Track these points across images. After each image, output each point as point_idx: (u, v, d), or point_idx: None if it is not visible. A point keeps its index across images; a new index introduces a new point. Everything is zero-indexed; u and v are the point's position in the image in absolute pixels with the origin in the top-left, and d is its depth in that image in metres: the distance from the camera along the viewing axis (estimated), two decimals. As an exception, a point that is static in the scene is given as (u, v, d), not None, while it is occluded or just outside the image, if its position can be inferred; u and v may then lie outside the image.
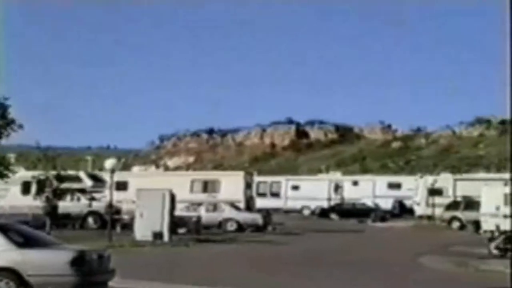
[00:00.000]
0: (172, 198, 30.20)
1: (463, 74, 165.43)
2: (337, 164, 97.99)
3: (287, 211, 58.49)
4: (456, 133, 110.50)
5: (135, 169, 50.11)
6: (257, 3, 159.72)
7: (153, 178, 43.56)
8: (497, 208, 38.01)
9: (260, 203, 48.63)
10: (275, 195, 61.64)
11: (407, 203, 56.28)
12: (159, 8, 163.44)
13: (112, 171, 29.79)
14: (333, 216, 54.82)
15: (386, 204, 57.05)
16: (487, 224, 35.18)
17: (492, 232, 27.06)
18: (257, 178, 50.83)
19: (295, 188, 61.79)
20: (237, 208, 39.36)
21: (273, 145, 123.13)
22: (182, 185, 40.31)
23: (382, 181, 61.74)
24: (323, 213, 56.06)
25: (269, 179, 64.54)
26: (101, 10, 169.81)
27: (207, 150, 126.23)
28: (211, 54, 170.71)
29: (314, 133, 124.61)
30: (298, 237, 35.43)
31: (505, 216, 35.69)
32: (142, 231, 28.97)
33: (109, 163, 30.15)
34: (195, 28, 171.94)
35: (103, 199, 37.05)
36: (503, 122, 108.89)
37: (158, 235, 28.37)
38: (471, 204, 43.49)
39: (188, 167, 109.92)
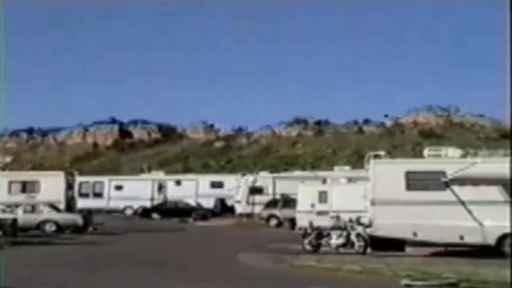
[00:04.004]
0: (-14, 200, 29.22)
1: (283, 76, 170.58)
2: (160, 163, 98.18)
3: (110, 211, 58.03)
4: (275, 133, 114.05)
5: None
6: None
7: (-32, 180, 41.83)
8: (312, 206, 39.85)
9: (82, 203, 48.00)
10: (98, 195, 61.04)
11: (229, 201, 57.53)
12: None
13: None
14: (155, 215, 55.07)
15: (209, 203, 58.05)
16: (302, 221, 36.74)
17: (306, 228, 28.16)
18: (79, 178, 50.06)
19: (118, 188, 61.47)
20: (56, 209, 38.66)
21: (95, 145, 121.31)
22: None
23: (205, 180, 62.64)
24: (145, 212, 56.16)
25: (91, 179, 63.69)
26: None
27: (26, 150, 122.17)
28: (31, 51, 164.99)
29: (137, 133, 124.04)
30: (117, 237, 35.34)
31: (318, 213, 37.58)
32: (-48, 235, 27.78)
33: None
34: (14, 25, 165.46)
35: None
36: (318, 123, 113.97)
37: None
38: (288, 202, 45.21)
39: (5, 167, 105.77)
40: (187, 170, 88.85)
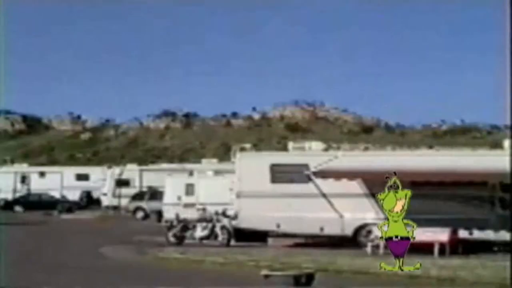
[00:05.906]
0: None
1: (152, 68, 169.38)
2: (24, 155, 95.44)
3: (-31, 204, 55.96)
4: (143, 125, 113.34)
5: None
6: None
7: None
8: (179, 198, 39.88)
9: None
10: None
11: (96, 194, 56.82)
12: None
13: None
14: (18, 208, 53.62)
15: (74, 195, 57.13)
16: (169, 213, 36.70)
17: (171, 221, 28.18)
18: None
19: (-22, 180, 59.35)
20: None
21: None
22: None
23: (70, 172, 61.69)
24: (7, 205, 54.62)
25: None
26: None
27: None
28: None
29: (0, 124, 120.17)
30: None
31: (185, 205, 37.68)
32: None
33: None
34: None
35: None
36: (187, 115, 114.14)
37: None
38: (155, 194, 45.14)
39: None
40: (52, 162, 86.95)
